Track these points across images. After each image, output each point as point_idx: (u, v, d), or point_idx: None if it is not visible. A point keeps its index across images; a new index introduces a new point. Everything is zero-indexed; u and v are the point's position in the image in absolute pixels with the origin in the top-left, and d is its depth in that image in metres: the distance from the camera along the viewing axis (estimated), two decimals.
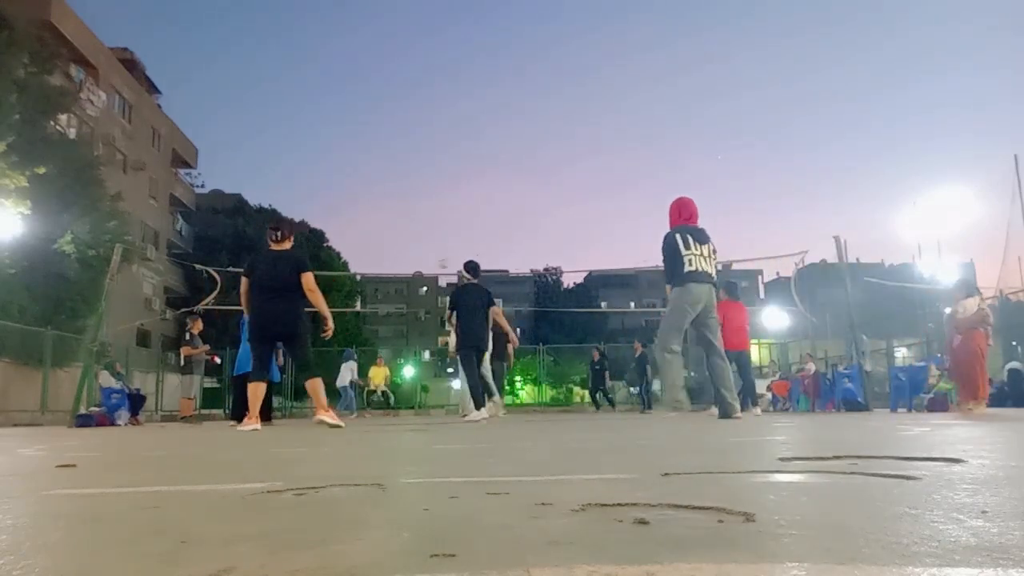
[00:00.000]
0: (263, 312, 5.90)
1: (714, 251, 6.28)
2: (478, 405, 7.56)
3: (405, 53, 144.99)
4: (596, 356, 17.93)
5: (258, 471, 2.16)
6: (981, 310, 8.17)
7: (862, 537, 0.86)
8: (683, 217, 6.38)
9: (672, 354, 5.99)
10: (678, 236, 6.17)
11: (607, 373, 17.65)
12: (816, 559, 0.76)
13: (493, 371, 12.11)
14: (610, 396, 18.04)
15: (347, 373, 16.93)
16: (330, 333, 6.27)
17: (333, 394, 19.53)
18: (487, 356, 10.91)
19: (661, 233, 6.35)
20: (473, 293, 8.01)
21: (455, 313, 7.85)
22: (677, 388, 5.92)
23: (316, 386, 5.88)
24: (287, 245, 6.09)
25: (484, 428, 5.64)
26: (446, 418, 7.30)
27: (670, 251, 6.18)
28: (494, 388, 8.33)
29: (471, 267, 8.21)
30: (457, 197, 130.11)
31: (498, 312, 8.63)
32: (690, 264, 6.08)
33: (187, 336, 12.47)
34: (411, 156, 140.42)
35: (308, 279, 5.93)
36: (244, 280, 6.04)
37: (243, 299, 6.10)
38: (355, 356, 17.62)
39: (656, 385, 15.85)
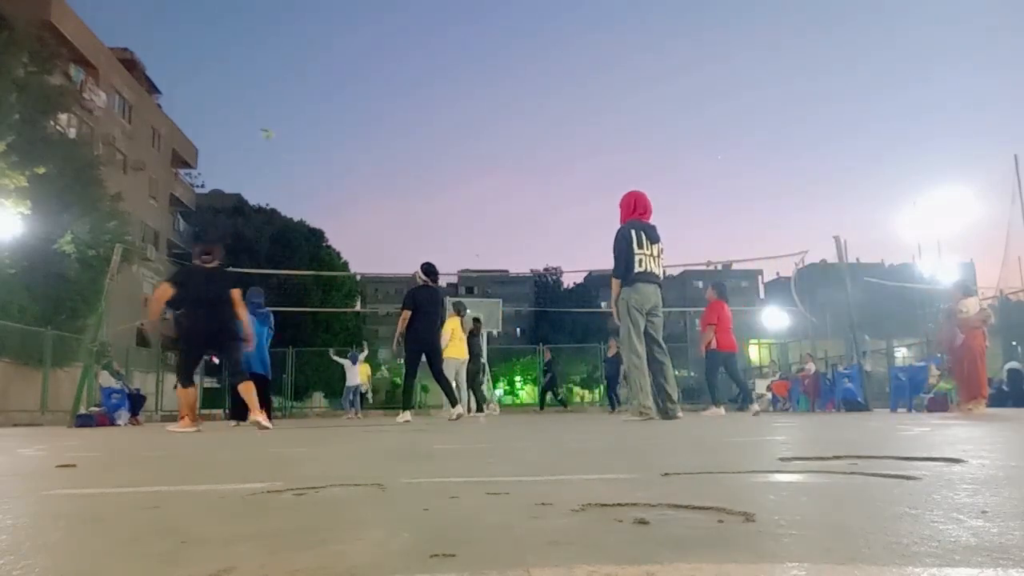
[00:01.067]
0: (200, 324, 6.38)
1: (662, 251, 6.19)
2: (406, 406, 7.75)
3: (406, 53, 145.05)
4: (547, 356, 17.83)
5: (258, 471, 2.16)
6: (983, 310, 8.16)
7: (862, 537, 0.86)
8: (637, 212, 6.20)
9: (640, 359, 5.90)
10: (632, 232, 6.03)
11: (555, 375, 17.58)
12: (816, 559, 0.76)
13: (474, 369, 12.10)
14: (560, 397, 17.79)
15: (354, 373, 16.50)
16: (251, 346, 6.89)
17: (340, 394, 19.40)
18: (457, 362, 10.79)
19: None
20: (430, 295, 8.04)
21: (411, 313, 7.80)
22: (645, 394, 5.81)
23: (248, 389, 6.34)
24: (215, 264, 6.64)
25: (483, 428, 5.64)
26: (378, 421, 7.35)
27: (625, 246, 6.02)
28: (457, 396, 8.38)
29: (429, 269, 8.20)
30: (457, 197, 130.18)
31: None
32: (640, 264, 5.99)
33: None
34: (411, 156, 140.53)
35: (237, 294, 6.59)
36: (167, 287, 6.38)
37: (157, 305, 6.58)
38: (359, 356, 17.04)
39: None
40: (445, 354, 9.31)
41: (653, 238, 6.12)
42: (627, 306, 5.98)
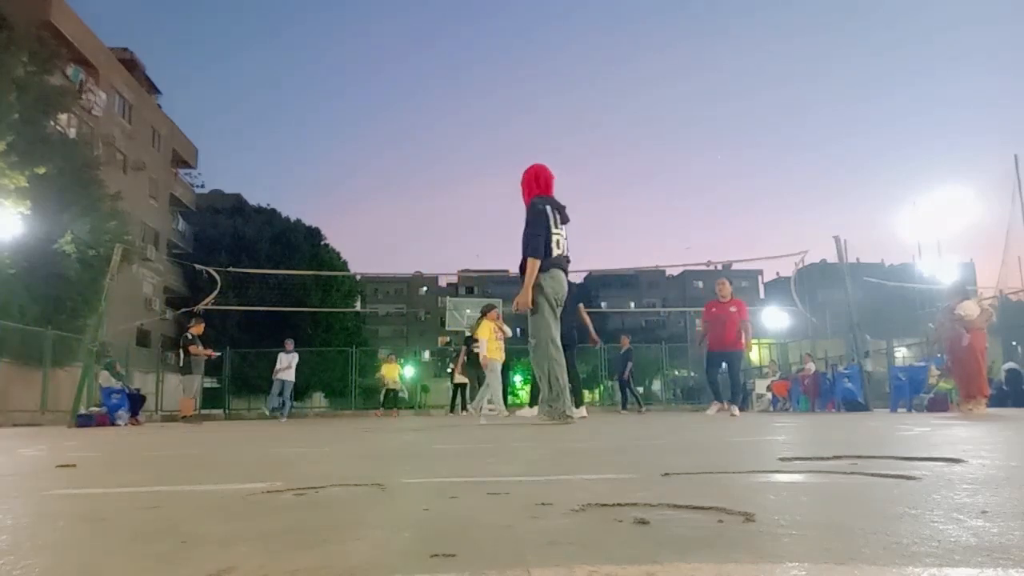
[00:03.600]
0: None
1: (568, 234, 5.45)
2: (579, 403, 7.38)
3: (406, 54, 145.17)
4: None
5: (258, 471, 2.16)
6: (984, 310, 8.14)
7: (862, 537, 0.86)
8: (542, 187, 5.36)
9: (560, 355, 5.17)
10: (548, 208, 5.21)
11: (507, 373, 17.42)
12: (816, 559, 0.76)
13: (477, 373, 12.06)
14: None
15: (288, 369, 14.34)
16: None
17: (340, 394, 19.17)
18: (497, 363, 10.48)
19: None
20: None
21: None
22: (567, 397, 5.16)
23: None
24: None
25: (484, 428, 5.64)
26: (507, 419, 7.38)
27: (544, 222, 5.15)
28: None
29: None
30: (457, 197, 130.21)
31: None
32: (557, 246, 5.21)
33: (188, 336, 12.50)
34: (412, 156, 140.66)
35: None
36: None
37: None
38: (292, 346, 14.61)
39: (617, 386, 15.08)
40: (491, 356, 9.29)
41: (565, 218, 5.39)
42: (543, 294, 5.18)
